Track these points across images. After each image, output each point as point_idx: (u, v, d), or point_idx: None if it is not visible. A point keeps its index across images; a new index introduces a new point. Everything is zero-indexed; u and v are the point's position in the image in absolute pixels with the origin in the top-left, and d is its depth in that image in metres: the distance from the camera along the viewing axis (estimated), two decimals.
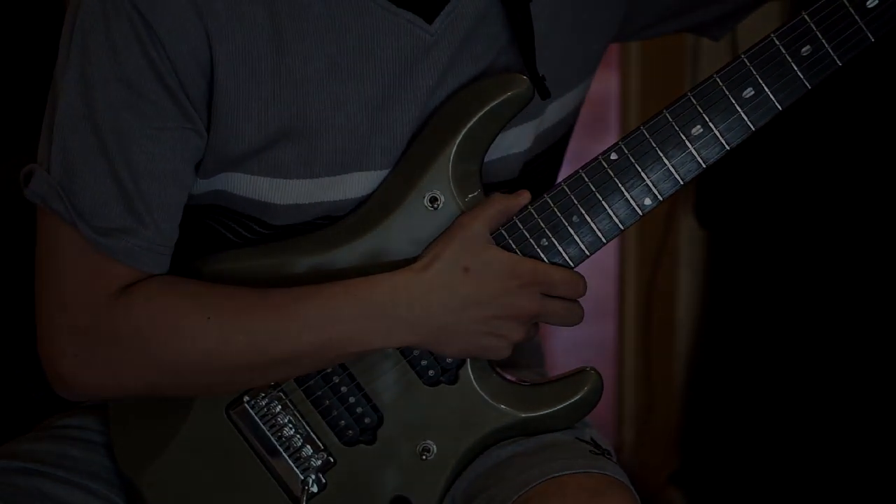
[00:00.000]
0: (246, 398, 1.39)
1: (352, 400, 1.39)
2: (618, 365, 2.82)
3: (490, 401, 1.39)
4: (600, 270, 2.76)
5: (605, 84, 2.75)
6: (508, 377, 1.40)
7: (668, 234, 2.54)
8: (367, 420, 1.39)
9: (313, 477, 1.40)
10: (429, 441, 1.39)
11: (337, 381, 1.39)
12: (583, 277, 1.37)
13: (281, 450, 1.40)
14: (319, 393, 1.39)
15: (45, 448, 1.42)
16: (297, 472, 1.40)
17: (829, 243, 2.07)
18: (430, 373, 1.39)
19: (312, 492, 1.40)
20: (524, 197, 1.36)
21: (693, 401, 2.57)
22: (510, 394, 1.39)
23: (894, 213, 1.95)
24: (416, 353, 1.38)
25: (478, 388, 1.39)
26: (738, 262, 2.35)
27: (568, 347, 2.91)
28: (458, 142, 1.35)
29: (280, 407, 1.40)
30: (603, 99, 2.80)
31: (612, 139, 1.36)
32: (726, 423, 2.41)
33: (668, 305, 2.59)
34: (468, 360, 1.38)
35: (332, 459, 1.40)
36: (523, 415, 1.39)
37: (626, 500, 1.30)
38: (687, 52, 2.34)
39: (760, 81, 1.33)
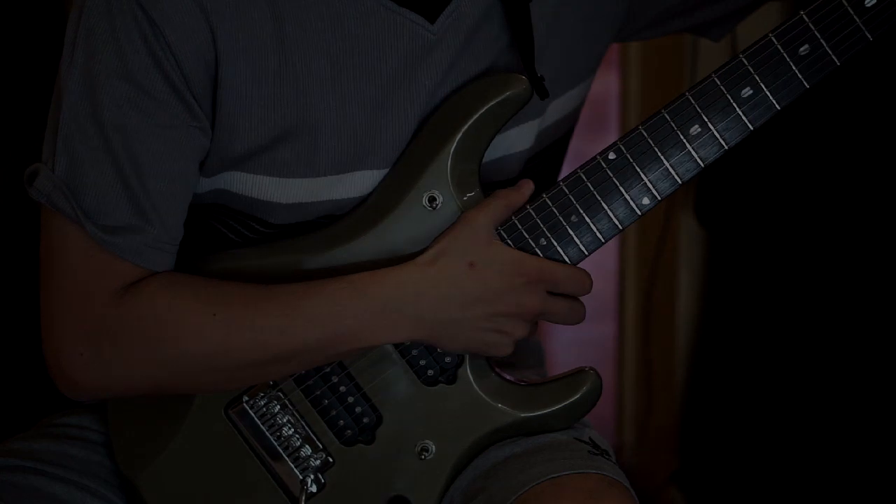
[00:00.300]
0: (245, 398, 1.39)
1: (350, 399, 1.39)
2: (618, 365, 2.82)
3: (489, 400, 1.39)
4: (600, 270, 2.76)
5: (605, 84, 2.75)
6: (507, 377, 1.40)
7: (668, 234, 2.54)
8: (365, 420, 1.39)
9: (312, 477, 1.40)
10: (427, 441, 1.39)
11: (336, 380, 1.39)
12: (588, 274, 1.37)
13: (280, 450, 1.40)
14: (318, 392, 1.39)
15: (44, 447, 1.42)
16: (296, 472, 1.40)
17: (828, 243, 2.07)
18: (429, 372, 1.38)
19: (311, 492, 1.40)
20: (527, 187, 1.36)
21: (693, 401, 2.57)
22: (509, 393, 1.39)
23: (894, 212, 1.95)
24: (414, 352, 1.38)
25: (477, 388, 1.39)
26: (738, 262, 2.35)
27: (568, 347, 2.90)
28: (456, 141, 1.35)
29: (279, 406, 1.40)
30: (603, 99, 2.80)
31: (612, 139, 1.36)
32: (726, 423, 2.41)
33: (668, 305, 2.59)
34: (467, 359, 1.38)
35: (330, 459, 1.40)
36: (522, 414, 1.39)
37: (625, 501, 1.30)
38: (687, 52, 2.34)
39: (759, 81, 1.33)
